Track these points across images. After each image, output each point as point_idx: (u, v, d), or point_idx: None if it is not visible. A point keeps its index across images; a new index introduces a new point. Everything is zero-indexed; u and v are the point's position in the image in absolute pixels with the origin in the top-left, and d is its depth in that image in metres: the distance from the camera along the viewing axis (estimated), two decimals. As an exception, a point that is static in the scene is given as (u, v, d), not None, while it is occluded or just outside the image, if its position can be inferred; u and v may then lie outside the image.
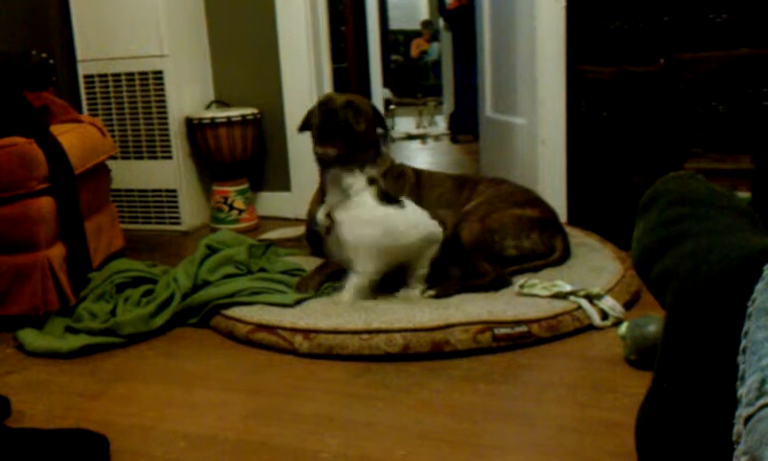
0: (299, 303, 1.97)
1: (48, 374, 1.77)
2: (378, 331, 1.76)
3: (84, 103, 3.17)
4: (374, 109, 2.30)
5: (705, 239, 0.89)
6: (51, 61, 2.24)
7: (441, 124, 7.22)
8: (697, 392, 0.78)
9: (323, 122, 2.15)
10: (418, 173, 2.37)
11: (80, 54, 3.14)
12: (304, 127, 2.33)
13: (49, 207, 2.04)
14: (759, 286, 0.70)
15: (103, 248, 2.36)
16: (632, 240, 1.10)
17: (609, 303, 1.86)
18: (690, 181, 1.09)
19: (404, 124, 7.44)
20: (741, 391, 0.65)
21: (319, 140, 2.16)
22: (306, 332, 1.80)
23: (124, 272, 2.18)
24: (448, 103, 6.88)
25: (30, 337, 1.91)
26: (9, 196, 1.99)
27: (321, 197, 2.33)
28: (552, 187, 2.72)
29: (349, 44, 6.07)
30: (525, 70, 2.91)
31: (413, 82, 9.22)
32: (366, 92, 6.46)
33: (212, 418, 1.50)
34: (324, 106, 2.17)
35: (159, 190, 3.15)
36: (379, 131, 2.33)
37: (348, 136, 2.14)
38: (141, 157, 3.14)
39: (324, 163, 2.15)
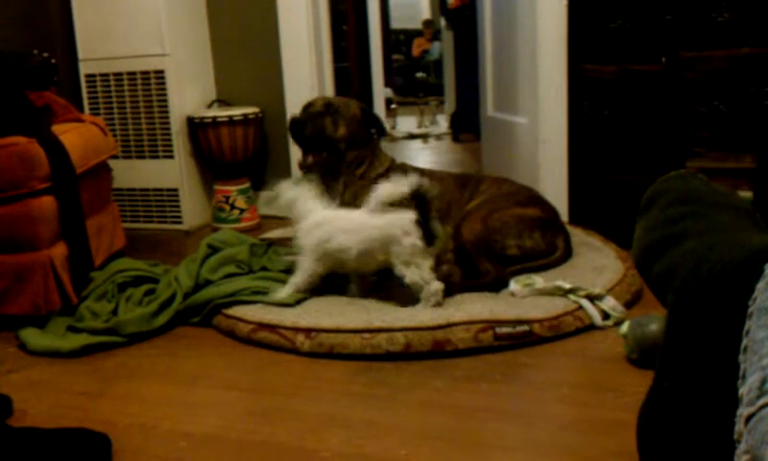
0: (299, 302, 1.97)
1: (50, 373, 1.77)
2: (380, 330, 1.76)
3: (86, 102, 3.17)
4: (363, 110, 2.30)
5: (706, 238, 0.89)
6: (52, 61, 2.25)
7: (442, 123, 7.22)
8: (698, 391, 0.78)
9: (292, 133, 2.20)
10: (419, 172, 2.37)
11: (81, 53, 3.14)
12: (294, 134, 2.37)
13: (51, 207, 2.04)
14: (760, 285, 0.70)
15: (104, 247, 2.36)
16: (633, 239, 1.10)
17: (610, 303, 1.86)
18: (691, 179, 1.08)
19: (406, 123, 7.44)
20: (742, 390, 0.65)
21: (302, 150, 2.21)
22: (308, 331, 1.80)
23: (125, 271, 2.18)
24: (450, 102, 6.87)
25: (31, 336, 1.91)
26: (10, 195, 1.99)
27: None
28: (554, 186, 2.72)
29: (351, 43, 6.08)
30: (527, 69, 2.91)
31: (414, 81, 9.22)
32: (367, 91, 6.46)
33: (213, 417, 1.50)
34: (297, 116, 2.21)
35: (161, 189, 3.15)
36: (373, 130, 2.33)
37: (324, 144, 2.18)
38: (143, 157, 3.15)
39: (307, 170, 2.22)
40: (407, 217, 1.89)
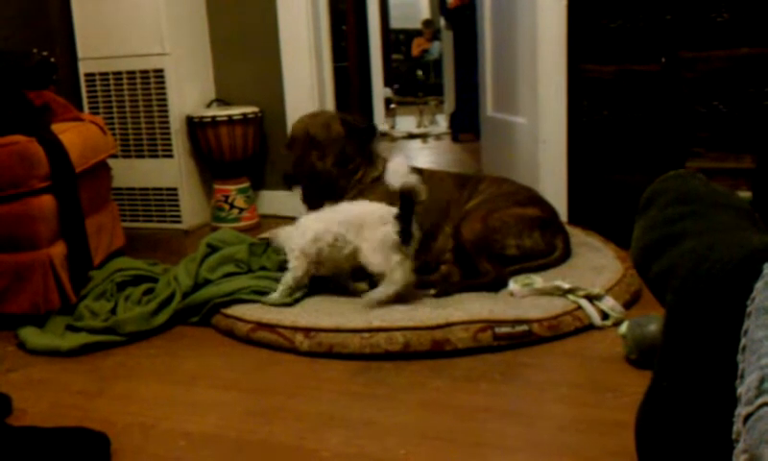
0: (297, 301, 1.97)
1: (49, 372, 1.77)
2: (379, 330, 1.76)
3: (85, 101, 3.17)
4: (345, 123, 2.29)
5: (705, 238, 0.89)
6: (52, 60, 2.24)
7: (442, 123, 7.21)
8: (697, 390, 0.78)
9: (288, 185, 2.34)
10: (418, 172, 2.36)
11: (81, 52, 3.14)
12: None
13: (50, 206, 2.04)
14: (759, 285, 0.70)
15: (103, 246, 2.36)
16: (632, 239, 1.10)
17: (609, 303, 1.86)
18: (690, 179, 1.08)
19: (405, 123, 7.44)
20: (741, 389, 0.65)
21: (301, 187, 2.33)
22: (307, 331, 1.80)
23: (125, 270, 2.18)
24: (449, 102, 6.87)
25: (31, 335, 1.91)
26: (10, 194, 1.99)
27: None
28: (553, 186, 2.72)
29: (351, 43, 6.07)
30: (526, 69, 2.91)
31: (414, 81, 9.23)
32: (367, 91, 6.47)
33: (213, 416, 1.50)
34: (288, 170, 2.29)
35: (160, 189, 3.15)
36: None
37: (319, 178, 2.25)
38: (142, 156, 3.14)
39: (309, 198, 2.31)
40: (388, 208, 1.89)
